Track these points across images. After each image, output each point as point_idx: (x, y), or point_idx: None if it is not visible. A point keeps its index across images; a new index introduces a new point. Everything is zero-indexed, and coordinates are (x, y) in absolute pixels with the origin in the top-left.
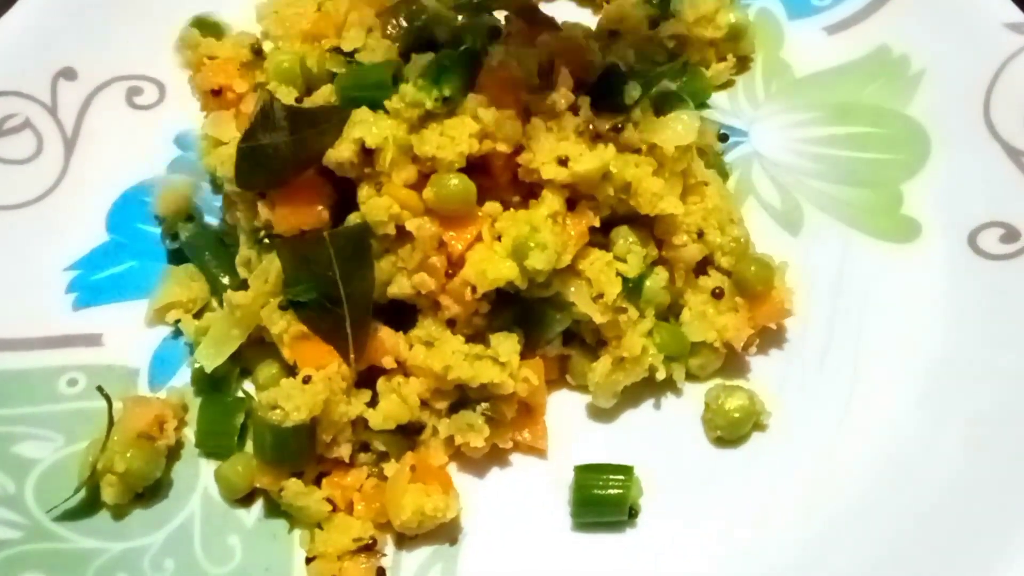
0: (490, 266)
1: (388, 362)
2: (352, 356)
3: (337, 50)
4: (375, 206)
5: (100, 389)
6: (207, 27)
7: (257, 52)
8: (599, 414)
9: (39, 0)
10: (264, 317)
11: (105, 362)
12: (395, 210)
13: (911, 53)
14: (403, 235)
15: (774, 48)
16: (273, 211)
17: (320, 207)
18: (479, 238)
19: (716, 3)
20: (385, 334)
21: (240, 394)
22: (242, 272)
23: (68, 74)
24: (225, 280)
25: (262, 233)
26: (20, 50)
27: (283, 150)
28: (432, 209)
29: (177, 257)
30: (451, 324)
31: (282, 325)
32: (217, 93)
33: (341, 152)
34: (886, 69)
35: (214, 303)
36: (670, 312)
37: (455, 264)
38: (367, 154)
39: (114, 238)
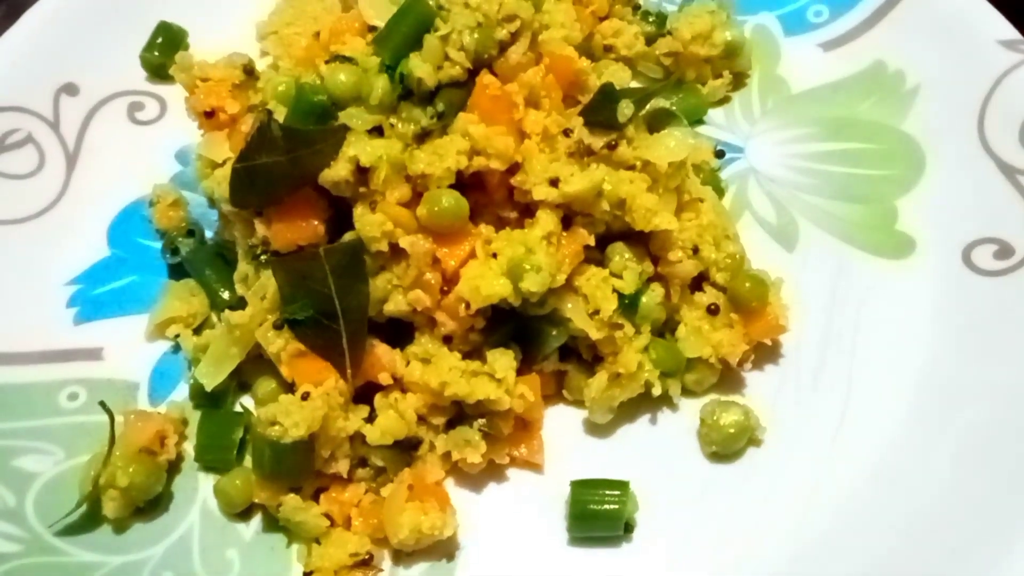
0: (484, 282)
1: (384, 378)
2: (349, 371)
3: (339, 58)
4: (369, 223)
5: (103, 404)
6: (171, 33)
7: (249, 72)
8: (595, 429)
9: (41, 16)
10: (260, 336)
11: (105, 376)
12: (388, 227)
13: (906, 69)
14: (397, 252)
15: (770, 64)
16: (269, 227)
17: (316, 222)
18: (473, 254)
19: (712, 21)
20: (382, 351)
21: (238, 408)
22: (239, 289)
23: (70, 89)
24: (225, 295)
25: (259, 250)
26: (22, 66)
27: (278, 169)
28: (425, 226)
29: (177, 272)
30: (448, 341)
31: (279, 344)
32: (210, 115)
33: (337, 171)
34: (881, 85)
35: (214, 318)
36: (666, 328)
37: (449, 280)
38: (362, 173)
39: (115, 253)
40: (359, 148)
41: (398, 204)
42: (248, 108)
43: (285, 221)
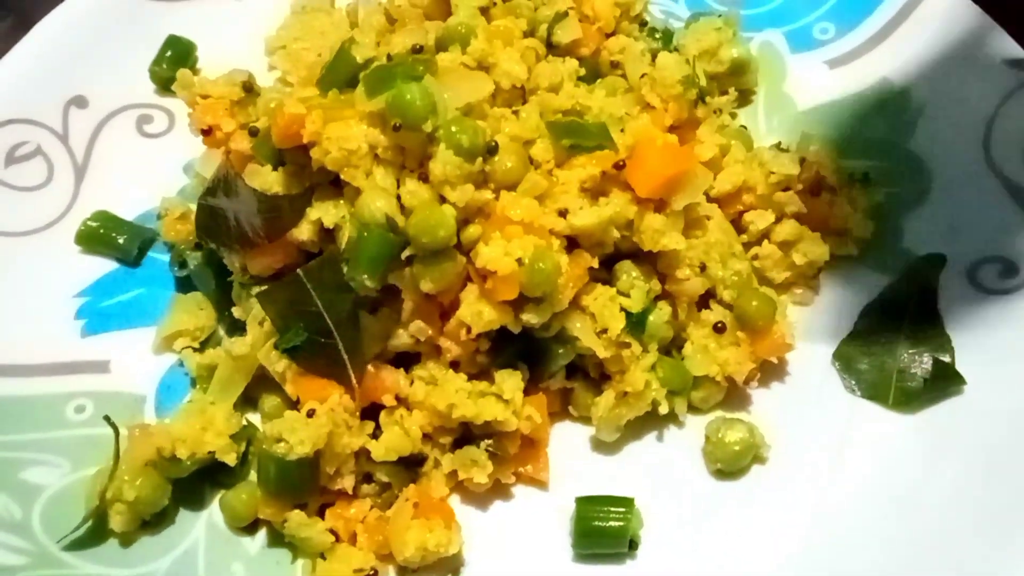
0: (485, 307)
1: (388, 400)
2: (354, 381)
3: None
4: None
5: (108, 419)
6: (180, 47)
7: (248, 90)
8: (601, 446)
9: (51, 29)
10: (264, 358)
11: (112, 389)
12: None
13: (912, 87)
14: (391, 289)
15: (776, 82)
16: (245, 256)
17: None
18: (468, 278)
19: (719, 38)
20: (385, 372)
21: (244, 423)
22: (237, 313)
23: (79, 102)
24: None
25: (244, 278)
26: (32, 78)
27: (246, 223)
28: None
29: (185, 285)
30: (454, 366)
31: (283, 364)
32: (207, 132)
33: (301, 232)
34: (887, 103)
35: (221, 331)
36: (672, 345)
37: (449, 308)
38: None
39: (123, 265)
40: (322, 211)
41: None
42: (240, 126)
43: (258, 250)
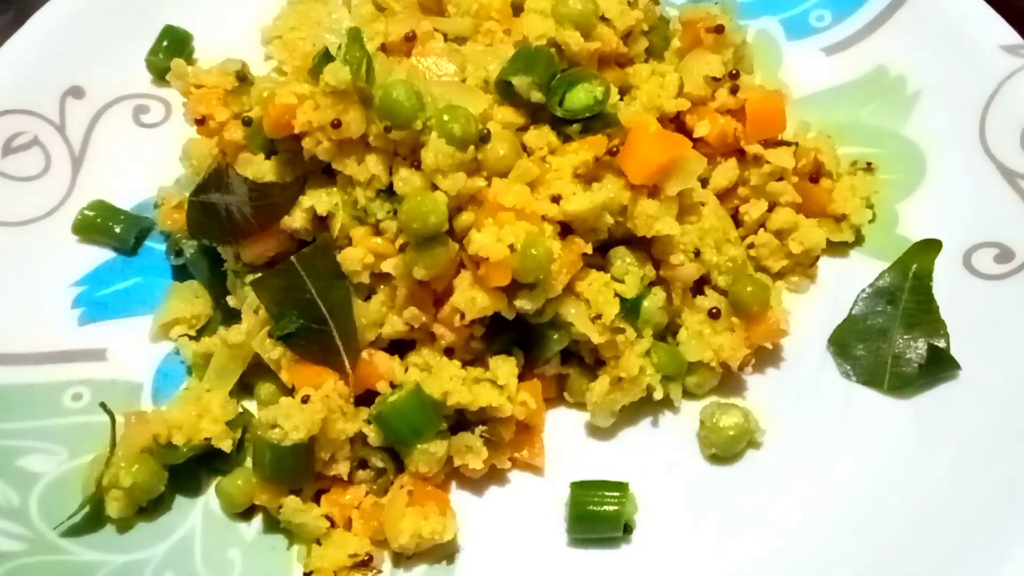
0: (479, 294)
1: (383, 387)
2: (348, 367)
3: None
4: (348, 257)
5: (104, 406)
6: (176, 37)
7: (242, 79)
8: (596, 431)
9: (48, 20)
10: (258, 346)
11: (109, 377)
12: (369, 260)
13: (908, 74)
14: (384, 275)
15: (772, 69)
16: (237, 246)
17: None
18: (462, 265)
19: None
20: (380, 359)
21: (240, 410)
22: (232, 302)
23: (76, 92)
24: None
25: (237, 266)
26: (29, 69)
27: (237, 214)
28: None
29: (181, 274)
30: (449, 352)
31: (278, 351)
32: (201, 122)
33: (294, 220)
34: (883, 90)
35: (216, 319)
36: (667, 331)
37: (442, 295)
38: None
39: (119, 254)
40: (315, 198)
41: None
42: (233, 116)
43: (251, 239)
